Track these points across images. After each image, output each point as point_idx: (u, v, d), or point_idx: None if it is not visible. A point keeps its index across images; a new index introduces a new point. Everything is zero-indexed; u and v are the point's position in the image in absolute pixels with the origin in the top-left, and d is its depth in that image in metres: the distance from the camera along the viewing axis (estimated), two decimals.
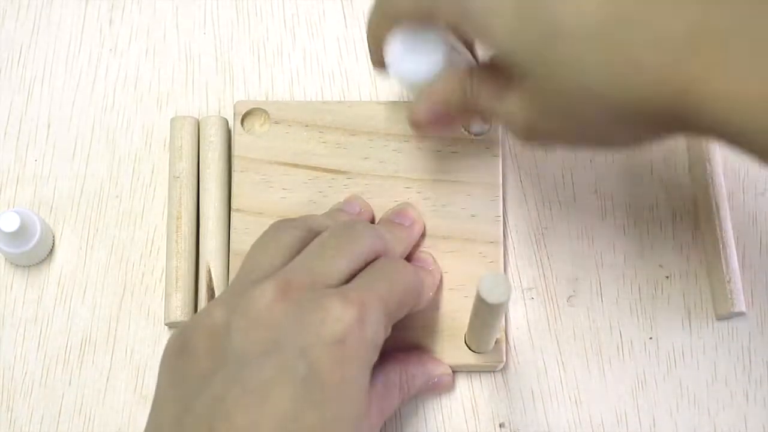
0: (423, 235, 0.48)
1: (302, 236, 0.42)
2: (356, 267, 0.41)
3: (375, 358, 0.39)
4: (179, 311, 0.47)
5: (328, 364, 0.37)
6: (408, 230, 0.47)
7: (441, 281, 0.47)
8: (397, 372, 0.43)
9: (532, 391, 0.47)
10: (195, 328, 0.39)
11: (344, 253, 0.41)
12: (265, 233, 0.43)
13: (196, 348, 0.39)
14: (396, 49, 0.43)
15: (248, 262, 0.42)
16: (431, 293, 0.45)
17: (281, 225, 0.43)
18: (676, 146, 0.50)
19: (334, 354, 0.37)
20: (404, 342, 0.46)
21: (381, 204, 0.48)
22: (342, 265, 0.41)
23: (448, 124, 0.44)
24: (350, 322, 0.38)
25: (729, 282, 0.47)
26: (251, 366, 0.37)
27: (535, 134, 0.39)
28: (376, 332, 0.39)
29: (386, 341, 0.40)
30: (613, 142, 0.39)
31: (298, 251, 0.42)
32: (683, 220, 0.49)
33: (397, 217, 0.47)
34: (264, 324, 0.38)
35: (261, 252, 0.42)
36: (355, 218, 0.46)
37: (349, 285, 0.40)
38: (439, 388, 0.46)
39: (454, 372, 0.47)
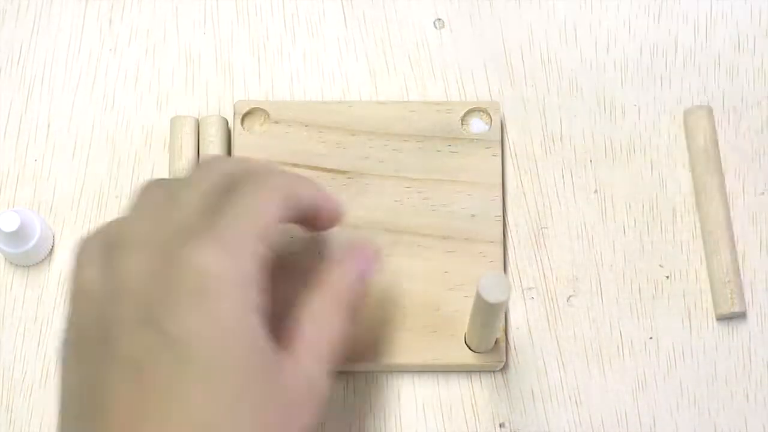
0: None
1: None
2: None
3: (255, 292, 0.36)
4: None
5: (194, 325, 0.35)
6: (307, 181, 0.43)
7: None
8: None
9: (532, 391, 0.47)
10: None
11: (196, 185, 0.39)
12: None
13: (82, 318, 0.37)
14: None
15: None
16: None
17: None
18: (676, 146, 0.50)
19: (198, 308, 0.35)
20: (404, 341, 0.46)
21: (381, 204, 0.48)
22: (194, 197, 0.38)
23: None
24: (206, 269, 0.35)
25: (729, 282, 0.47)
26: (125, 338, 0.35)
27: None
28: (245, 263, 0.36)
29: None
30: None
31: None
32: (683, 220, 0.49)
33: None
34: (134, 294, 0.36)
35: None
36: None
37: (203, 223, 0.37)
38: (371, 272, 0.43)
39: (453, 372, 0.47)
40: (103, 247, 0.38)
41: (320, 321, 0.40)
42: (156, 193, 0.39)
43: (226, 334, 0.35)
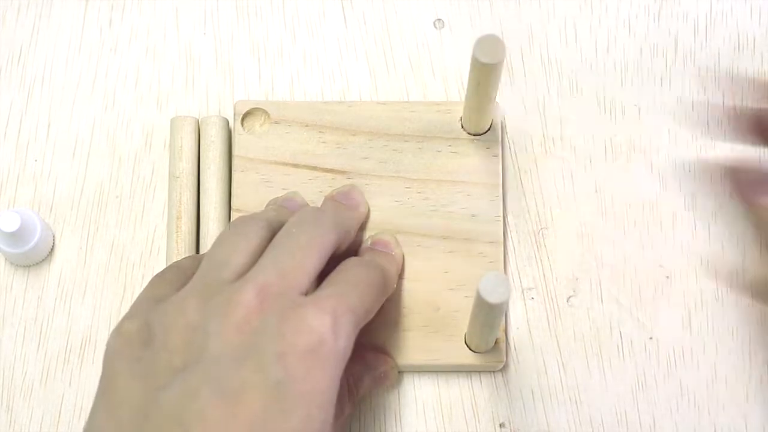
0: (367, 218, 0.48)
1: (269, 229, 0.43)
2: (323, 262, 0.42)
3: (343, 367, 0.39)
4: None
5: (301, 372, 0.37)
6: (356, 212, 0.47)
7: (402, 266, 0.47)
8: (343, 377, 0.44)
9: (532, 391, 0.47)
10: (167, 323, 0.39)
11: (313, 249, 0.41)
12: (232, 227, 0.43)
13: (169, 342, 0.38)
14: None
15: (217, 256, 0.42)
16: (395, 283, 0.46)
17: (247, 220, 0.43)
18: (676, 145, 0.50)
19: (307, 363, 0.37)
20: (404, 341, 0.46)
21: (381, 204, 0.48)
22: (312, 264, 0.41)
23: None
24: (324, 332, 0.38)
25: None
26: (227, 367, 0.37)
27: None
28: (347, 342, 0.39)
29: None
30: None
31: (265, 247, 0.42)
32: (683, 220, 0.49)
33: (344, 199, 0.48)
34: (242, 329, 0.38)
35: (230, 247, 0.42)
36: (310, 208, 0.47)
37: (322, 293, 0.40)
38: (385, 381, 0.46)
39: (453, 372, 0.47)
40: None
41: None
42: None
43: (322, 396, 0.38)
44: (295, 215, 0.44)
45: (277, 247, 0.41)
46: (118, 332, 0.40)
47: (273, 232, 0.43)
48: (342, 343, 0.38)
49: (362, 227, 0.48)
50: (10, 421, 0.47)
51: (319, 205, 0.47)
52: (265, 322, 0.38)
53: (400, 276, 0.47)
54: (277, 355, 0.37)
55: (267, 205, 0.47)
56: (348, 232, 0.45)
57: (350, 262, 0.43)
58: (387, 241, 0.47)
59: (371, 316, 0.42)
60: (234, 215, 0.48)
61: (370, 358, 0.46)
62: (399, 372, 0.47)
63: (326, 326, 0.38)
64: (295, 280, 0.40)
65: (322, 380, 0.38)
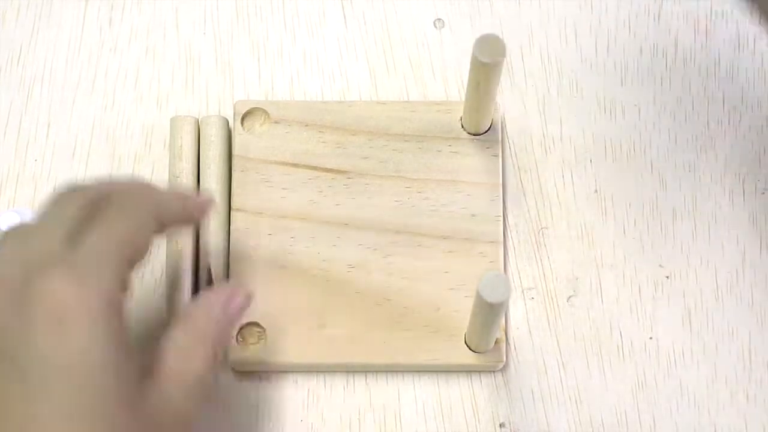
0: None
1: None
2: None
3: (116, 318, 0.36)
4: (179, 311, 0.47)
5: (50, 350, 0.35)
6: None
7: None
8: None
9: (532, 391, 0.47)
10: None
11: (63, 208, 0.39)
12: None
13: None
14: None
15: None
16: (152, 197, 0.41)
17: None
18: (676, 145, 0.50)
19: (54, 338, 0.35)
20: (404, 341, 0.46)
21: (381, 204, 0.48)
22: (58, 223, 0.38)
23: None
24: (62, 299, 0.35)
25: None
26: None
27: None
28: (104, 292, 0.36)
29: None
30: None
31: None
32: (683, 220, 0.49)
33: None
34: None
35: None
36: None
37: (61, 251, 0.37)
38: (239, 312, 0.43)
39: (453, 372, 0.47)
40: None
41: (182, 353, 0.39)
42: (24, 226, 0.39)
43: (81, 364, 0.35)
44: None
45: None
46: None
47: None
48: (94, 298, 0.36)
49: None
50: None
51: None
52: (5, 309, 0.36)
53: (402, 277, 0.47)
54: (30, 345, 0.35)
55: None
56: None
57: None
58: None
59: (137, 238, 0.39)
60: (234, 215, 0.48)
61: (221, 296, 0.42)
62: (399, 372, 0.47)
63: (64, 289, 0.35)
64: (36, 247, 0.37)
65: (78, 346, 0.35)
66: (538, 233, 0.49)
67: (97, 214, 0.38)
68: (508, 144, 0.50)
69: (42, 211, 0.39)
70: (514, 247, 0.49)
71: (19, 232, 0.39)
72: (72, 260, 0.36)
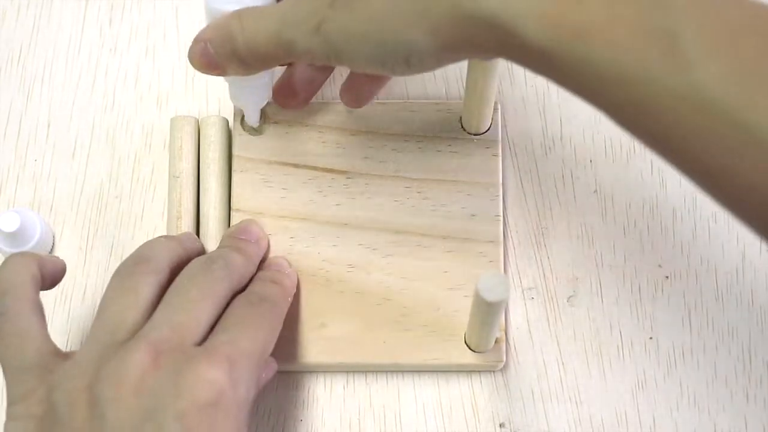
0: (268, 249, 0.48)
1: (158, 281, 0.42)
2: (218, 311, 0.41)
3: (248, 413, 0.39)
4: None
5: (204, 428, 0.36)
6: (255, 246, 0.46)
7: (298, 284, 0.47)
8: None
9: (532, 391, 0.47)
10: (69, 400, 0.38)
11: (205, 300, 0.41)
12: (118, 281, 0.42)
13: (71, 419, 0.37)
14: None
15: (107, 316, 0.41)
16: (287, 305, 0.45)
17: (134, 271, 0.42)
18: None
19: (208, 417, 0.37)
20: (404, 341, 0.46)
21: (381, 204, 0.48)
22: (205, 315, 0.40)
23: (218, 71, 0.43)
24: (221, 383, 0.37)
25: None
26: None
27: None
28: (248, 388, 0.39)
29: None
30: (413, 52, 0.37)
31: (158, 298, 0.41)
32: (683, 220, 0.49)
33: (243, 234, 0.47)
34: (139, 391, 0.37)
35: (119, 306, 0.41)
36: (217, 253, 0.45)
37: (215, 341, 0.39)
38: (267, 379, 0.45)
39: (453, 372, 0.47)
40: None
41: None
42: None
43: None
44: (186, 267, 0.43)
45: (169, 302, 0.40)
46: (19, 416, 0.39)
47: (166, 277, 0.42)
48: (241, 391, 0.38)
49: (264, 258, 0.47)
50: None
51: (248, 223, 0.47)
52: (161, 380, 0.37)
53: (402, 277, 0.47)
54: (176, 414, 0.36)
55: (222, 241, 0.47)
56: (242, 276, 0.44)
57: (236, 303, 0.42)
58: (279, 263, 0.47)
59: (271, 347, 0.42)
60: (234, 215, 0.48)
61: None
62: (399, 372, 0.47)
63: (222, 377, 0.37)
64: (189, 332, 0.39)
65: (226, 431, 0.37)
66: (538, 233, 0.49)
67: (228, 314, 0.41)
68: (508, 144, 0.50)
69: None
70: (514, 247, 0.49)
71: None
72: (218, 354, 0.38)
